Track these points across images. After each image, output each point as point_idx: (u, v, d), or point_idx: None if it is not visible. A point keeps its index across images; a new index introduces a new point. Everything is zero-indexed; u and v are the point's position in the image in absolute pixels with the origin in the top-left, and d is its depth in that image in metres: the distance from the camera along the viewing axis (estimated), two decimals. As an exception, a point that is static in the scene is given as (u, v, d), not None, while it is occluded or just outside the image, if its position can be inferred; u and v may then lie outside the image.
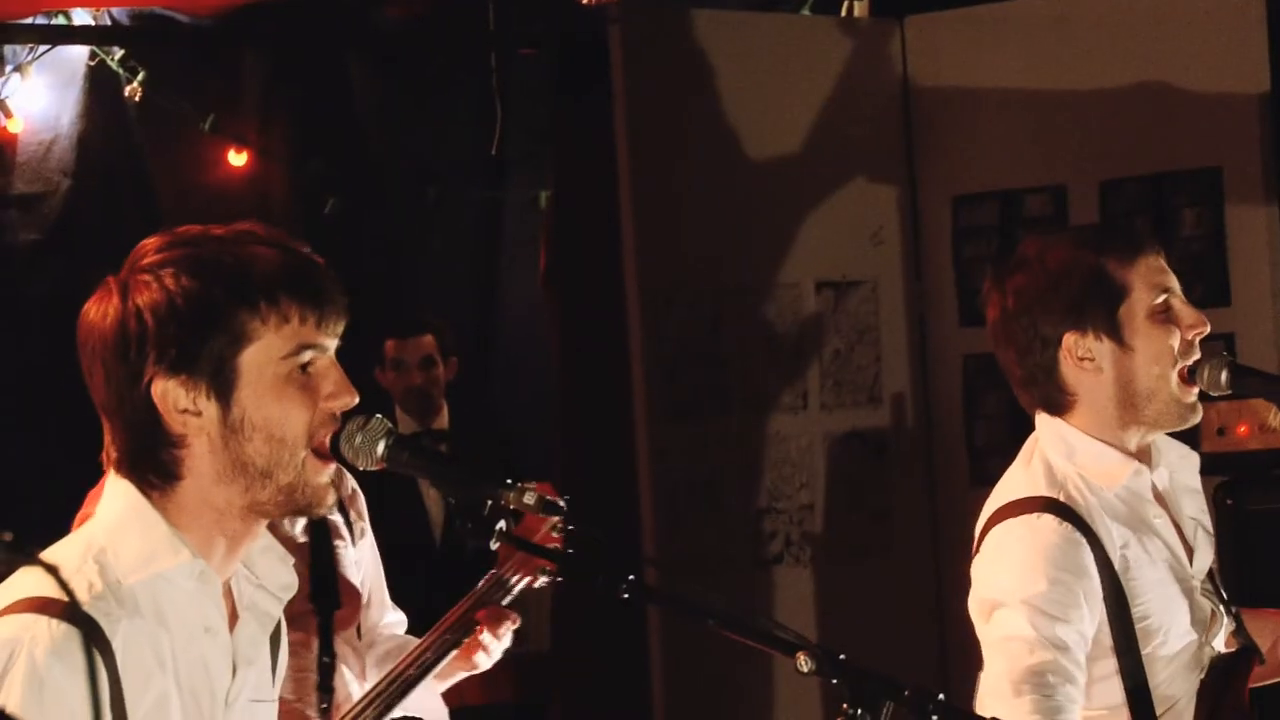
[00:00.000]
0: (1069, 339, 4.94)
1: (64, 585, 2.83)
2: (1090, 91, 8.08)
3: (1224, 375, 5.06)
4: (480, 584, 5.55)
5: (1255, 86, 7.78)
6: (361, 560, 5.81)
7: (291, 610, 4.70)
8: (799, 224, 8.30)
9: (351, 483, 5.76)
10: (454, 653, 5.52)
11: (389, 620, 5.84)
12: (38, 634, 3.39)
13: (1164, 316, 4.92)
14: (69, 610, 3.02)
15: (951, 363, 8.33)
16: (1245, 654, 5.17)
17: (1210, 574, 5.18)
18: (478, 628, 5.51)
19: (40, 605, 3.37)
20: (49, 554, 3.29)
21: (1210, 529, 5.27)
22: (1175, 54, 7.99)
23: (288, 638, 4.62)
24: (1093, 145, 8.07)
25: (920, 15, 8.38)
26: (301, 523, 5.58)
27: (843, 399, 8.36)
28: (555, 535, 5.25)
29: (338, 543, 5.75)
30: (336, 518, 5.75)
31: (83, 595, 3.35)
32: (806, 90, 8.32)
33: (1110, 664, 4.96)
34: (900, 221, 8.45)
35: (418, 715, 5.81)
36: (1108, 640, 4.91)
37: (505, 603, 5.54)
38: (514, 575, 5.43)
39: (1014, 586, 4.89)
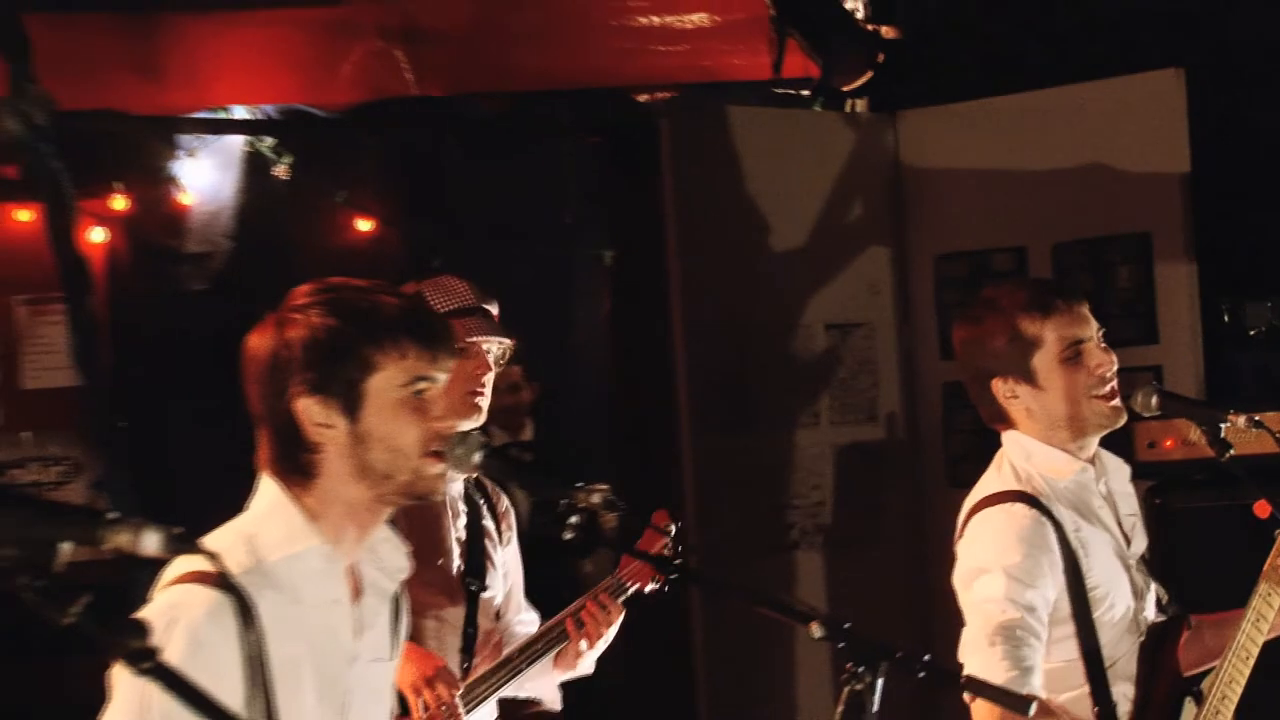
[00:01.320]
0: (995, 383, 5.10)
1: (219, 562, 2.87)
2: (1045, 171, 8.09)
3: (1154, 400, 5.22)
4: (599, 585, 5.54)
5: (1178, 166, 7.79)
6: (506, 562, 5.81)
7: (448, 588, 5.52)
8: (812, 277, 8.31)
9: (506, 501, 5.79)
10: (560, 646, 5.52)
11: (522, 618, 5.78)
12: (196, 600, 3.47)
13: (1074, 360, 5.06)
14: (222, 581, 3.04)
15: (933, 388, 8.34)
16: (1176, 621, 5.29)
17: (1142, 556, 5.31)
18: (586, 622, 5.53)
19: (199, 577, 3.46)
20: (208, 538, 3.39)
21: (1142, 522, 5.40)
22: (1113, 141, 8.02)
23: (442, 612, 5.20)
24: (1047, 214, 8.07)
25: (910, 110, 8.37)
26: (462, 523, 5.63)
27: (846, 417, 8.35)
28: (667, 551, 5.32)
29: (487, 543, 5.72)
30: (489, 524, 5.78)
31: (234, 570, 3.39)
32: (817, 171, 8.32)
33: (1068, 627, 5.05)
34: (892, 276, 8.45)
35: (534, 698, 5.90)
36: (1066, 606, 5.01)
37: (611, 601, 5.56)
38: (629, 581, 5.43)
39: (993, 558, 4.98)
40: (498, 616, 5.69)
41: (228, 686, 3.34)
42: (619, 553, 5.44)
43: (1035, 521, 5.01)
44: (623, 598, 5.47)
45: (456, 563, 5.60)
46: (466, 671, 5.49)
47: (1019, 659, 4.88)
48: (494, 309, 5.75)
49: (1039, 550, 5.03)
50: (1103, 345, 5.16)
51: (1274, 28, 8.40)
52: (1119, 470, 5.34)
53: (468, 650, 5.55)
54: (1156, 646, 5.38)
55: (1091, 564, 5.11)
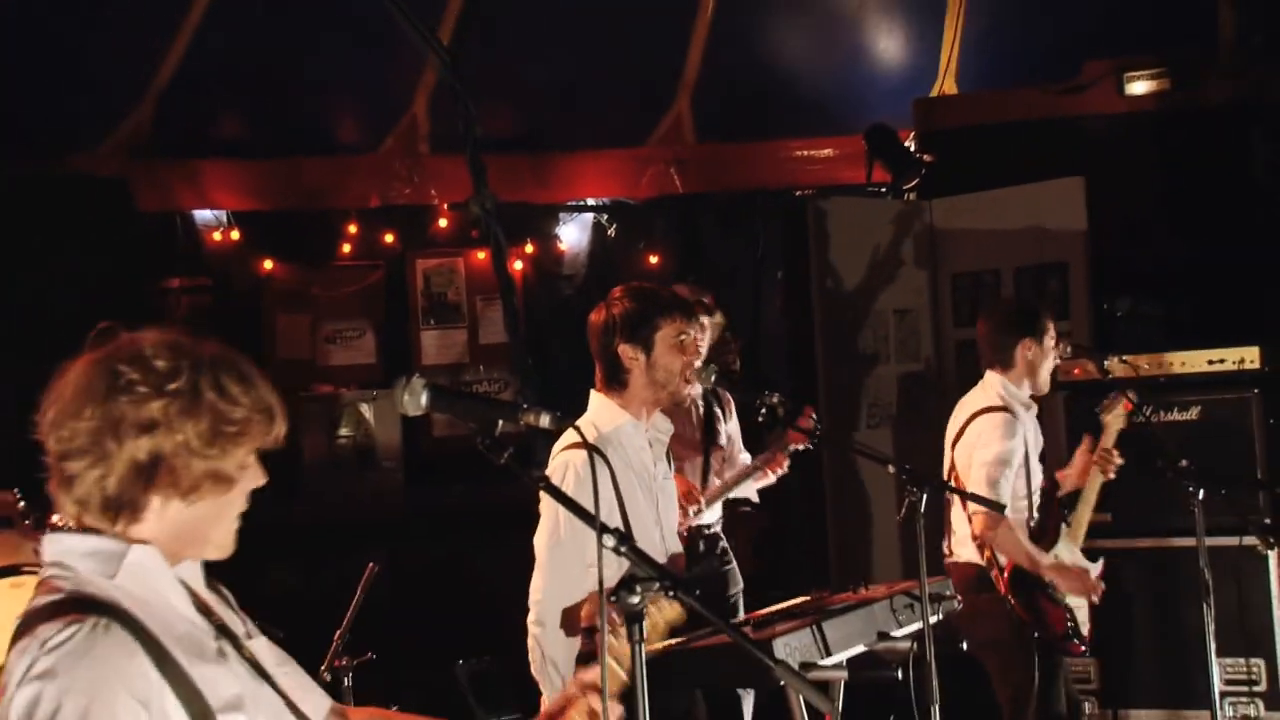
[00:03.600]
0: (1025, 342, 5.37)
1: (583, 436, 2.75)
2: (1013, 230, 8.12)
3: (1069, 349, 5.55)
4: (777, 445, 5.58)
5: (1079, 225, 7.76)
6: (730, 430, 5.85)
7: (694, 444, 5.64)
8: (885, 284, 8.44)
9: (729, 398, 5.78)
10: (756, 474, 5.66)
11: (742, 459, 5.80)
12: (577, 458, 3.68)
13: (1049, 346, 5.36)
14: (587, 445, 2.96)
15: (949, 343, 8.39)
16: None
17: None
18: (765, 465, 5.63)
19: (576, 445, 3.67)
20: (578, 422, 3.05)
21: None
22: (1047, 214, 7.95)
23: (693, 459, 5.40)
24: (1013, 251, 8.11)
25: (937, 199, 8.44)
26: (702, 409, 5.70)
27: (904, 358, 8.48)
28: (810, 423, 5.15)
29: (717, 421, 5.80)
30: (718, 410, 5.76)
31: (591, 438, 3.46)
32: (890, 231, 8.49)
33: (1022, 485, 5.33)
34: (928, 284, 8.51)
35: (744, 497, 5.74)
36: (1023, 473, 5.32)
37: (785, 454, 5.58)
38: (793, 444, 5.52)
39: (991, 441, 5.25)
40: (724, 459, 5.79)
41: (603, 499, 3.14)
42: (787, 428, 5.43)
43: (1010, 422, 5.31)
44: (788, 451, 5.58)
45: (698, 431, 5.77)
46: (705, 489, 5.63)
47: (1000, 494, 5.20)
48: (708, 299, 6.07)
49: (1016, 438, 5.32)
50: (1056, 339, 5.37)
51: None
52: (1033, 407, 5.48)
53: (704, 482, 5.72)
54: (1047, 506, 5.41)
55: (1030, 452, 5.39)
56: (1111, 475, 5.33)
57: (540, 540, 3.70)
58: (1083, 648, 5.30)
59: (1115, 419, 5.35)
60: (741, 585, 5.97)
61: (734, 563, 5.89)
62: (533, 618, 3.71)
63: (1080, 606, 5.30)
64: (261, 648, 2.41)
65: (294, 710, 2.36)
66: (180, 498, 2.21)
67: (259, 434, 2.29)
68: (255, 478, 2.31)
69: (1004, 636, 5.21)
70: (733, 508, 7.42)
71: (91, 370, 2.20)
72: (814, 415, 5.14)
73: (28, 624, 2.11)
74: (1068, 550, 5.34)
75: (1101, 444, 5.31)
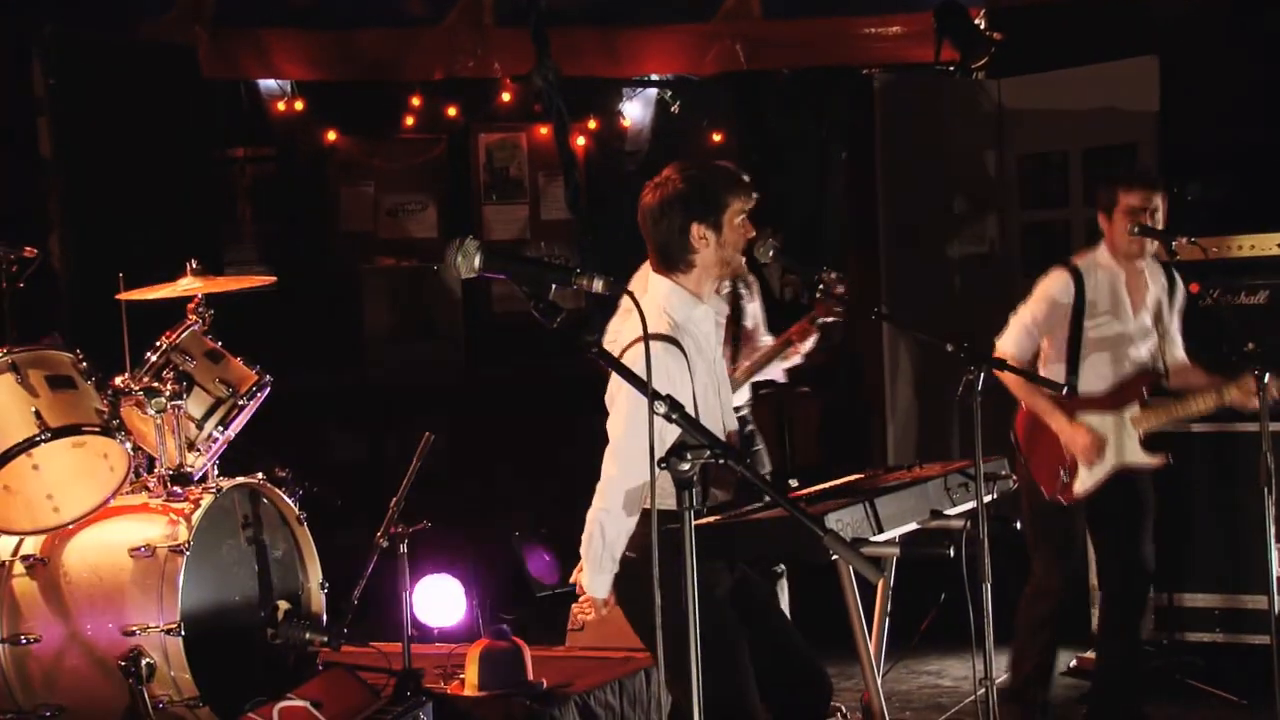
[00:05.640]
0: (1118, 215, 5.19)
1: (639, 310, 2.79)
2: (1091, 110, 8.19)
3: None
4: (805, 318, 5.50)
5: (1151, 106, 7.83)
6: (753, 311, 5.73)
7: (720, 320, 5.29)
8: (952, 158, 8.52)
9: (752, 278, 5.65)
10: (786, 352, 5.56)
11: (764, 340, 5.68)
12: (654, 349, 3.32)
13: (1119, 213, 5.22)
14: (665, 335, 3.25)
15: (1015, 226, 8.57)
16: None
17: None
18: (797, 337, 5.53)
19: (653, 336, 3.29)
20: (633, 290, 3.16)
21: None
22: (1127, 93, 7.96)
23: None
24: (1078, 130, 8.21)
25: (1007, 79, 8.56)
26: (727, 288, 5.50)
27: (966, 241, 8.61)
28: (836, 300, 5.01)
29: (742, 294, 5.69)
30: (742, 289, 5.67)
31: (665, 327, 3.63)
32: (958, 109, 8.67)
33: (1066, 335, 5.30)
34: (995, 162, 8.65)
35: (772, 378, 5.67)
36: (1066, 324, 5.26)
37: (813, 326, 5.48)
38: (822, 317, 5.42)
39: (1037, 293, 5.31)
40: (749, 340, 5.68)
41: (683, 396, 3.44)
42: (817, 300, 5.41)
43: (1058, 274, 5.31)
44: (816, 325, 5.48)
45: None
46: (735, 368, 5.52)
47: (1025, 333, 5.28)
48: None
49: (1057, 288, 5.31)
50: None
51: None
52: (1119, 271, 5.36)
53: (734, 359, 5.56)
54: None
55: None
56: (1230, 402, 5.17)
57: (615, 428, 3.66)
58: (1061, 499, 5.22)
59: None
60: (770, 468, 5.98)
61: (762, 445, 5.90)
62: (599, 501, 3.68)
63: (1089, 472, 5.21)
64: None
65: None
66: None
67: None
68: None
69: (1025, 501, 5.27)
70: (792, 390, 7.79)
71: None
72: (843, 284, 4.87)
73: None
74: (1111, 424, 5.22)
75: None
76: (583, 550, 3.72)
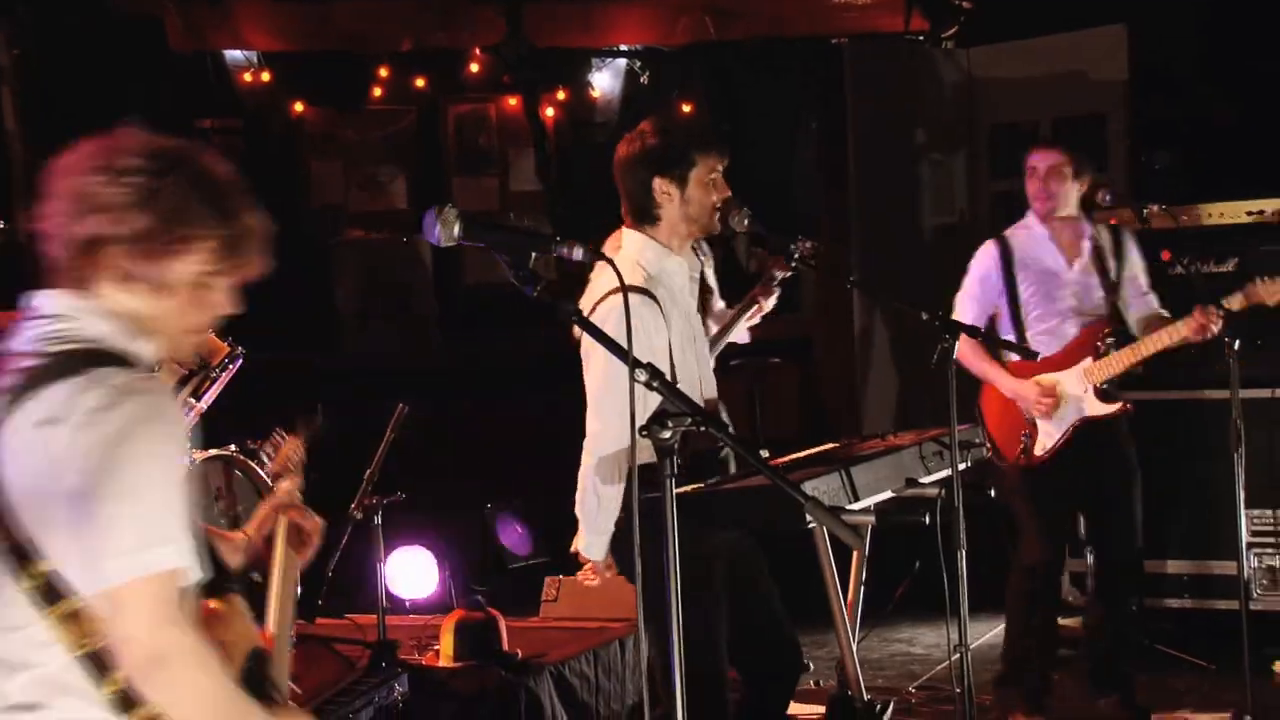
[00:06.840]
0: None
1: (621, 278, 2.75)
2: (1048, 75, 8.21)
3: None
4: (762, 280, 5.16)
5: (1120, 75, 7.90)
6: (709, 274, 5.42)
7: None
8: (920, 127, 8.52)
9: (708, 249, 5.24)
10: (749, 312, 5.20)
11: (718, 308, 5.31)
12: (635, 296, 3.33)
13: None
14: (639, 287, 3.17)
15: (984, 194, 8.60)
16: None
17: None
18: (760, 295, 5.10)
19: (630, 287, 3.11)
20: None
21: None
22: (1096, 62, 8.01)
23: None
24: (1049, 101, 8.18)
25: (974, 47, 8.65)
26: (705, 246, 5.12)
27: (939, 208, 8.66)
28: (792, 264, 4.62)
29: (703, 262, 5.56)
30: (702, 258, 5.16)
31: (639, 279, 3.63)
32: (928, 79, 8.64)
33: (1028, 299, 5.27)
34: (966, 131, 8.70)
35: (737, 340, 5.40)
36: (1031, 288, 5.24)
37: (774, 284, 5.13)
38: (777, 271, 4.99)
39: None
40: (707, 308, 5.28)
41: (659, 347, 3.53)
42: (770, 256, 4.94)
43: (989, 249, 5.31)
44: (775, 283, 5.05)
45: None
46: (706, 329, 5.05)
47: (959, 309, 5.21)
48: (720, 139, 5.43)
49: (985, 258, 5.31)
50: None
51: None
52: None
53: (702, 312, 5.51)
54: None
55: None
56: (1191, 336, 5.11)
57: (592, 383, 3.64)
58: (1025, 462, 5.17)
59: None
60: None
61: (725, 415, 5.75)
62: (587, 458, 3.65)
63: (1049, 430, 5.18)
64: None
65: None
66: (117, 285, 2.20)
67: (216, 255, 2.25)
68: (217, 302, 2.29)
69: (1006, 481, 5.24)
70: (764, 360, 7.88)
71: (84, 155, 2.24)
72: (817, 252, 4.69)
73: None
74: (1068, 379, 5.20)
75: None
76: (578, 510, 3.70)
